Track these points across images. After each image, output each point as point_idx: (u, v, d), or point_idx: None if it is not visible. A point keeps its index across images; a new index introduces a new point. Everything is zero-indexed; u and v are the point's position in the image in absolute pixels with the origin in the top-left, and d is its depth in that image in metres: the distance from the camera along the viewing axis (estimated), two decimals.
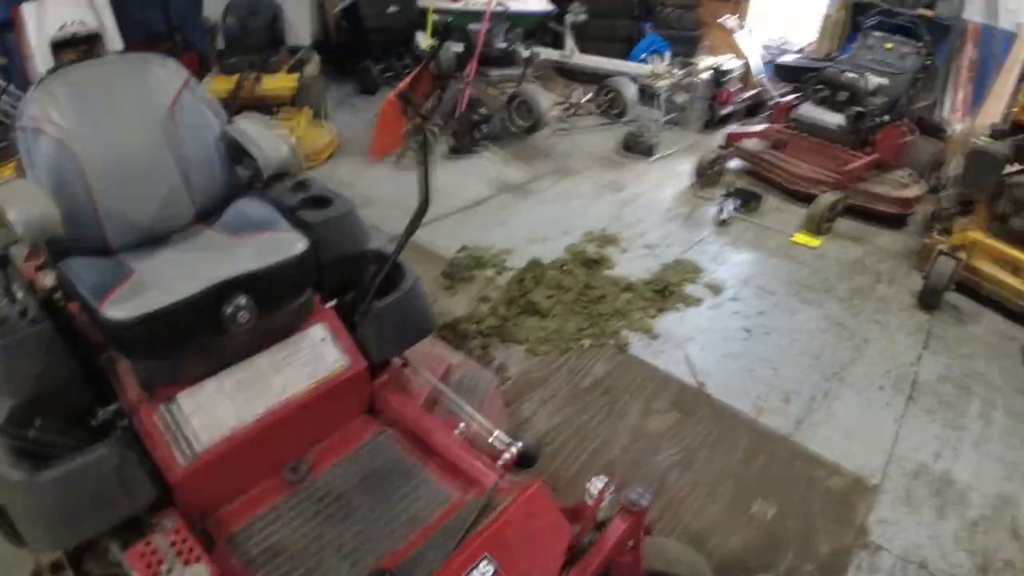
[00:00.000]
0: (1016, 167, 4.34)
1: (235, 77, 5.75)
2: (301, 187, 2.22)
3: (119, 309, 1.59)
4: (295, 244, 1.84)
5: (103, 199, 1.92)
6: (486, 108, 5.84)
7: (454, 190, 5.04)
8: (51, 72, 1.98)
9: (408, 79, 5.83)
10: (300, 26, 6.41)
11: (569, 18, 6.99)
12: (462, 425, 2.08)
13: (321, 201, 2.15)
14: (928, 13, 6.68)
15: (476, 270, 4.02)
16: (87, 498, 1.56)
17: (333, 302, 2.12)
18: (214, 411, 1.78)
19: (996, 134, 4.77)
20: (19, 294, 1.77)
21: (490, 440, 2.05)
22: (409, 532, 1.78)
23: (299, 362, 1.94)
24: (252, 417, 1.82)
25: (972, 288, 4.10)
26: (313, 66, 6.52)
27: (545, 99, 5.83)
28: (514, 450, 1.97)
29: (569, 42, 7.12)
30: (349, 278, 2.21)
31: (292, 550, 1.74)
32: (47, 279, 1.97)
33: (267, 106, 5.75)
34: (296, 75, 5.95)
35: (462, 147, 5.76)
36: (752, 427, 3.02)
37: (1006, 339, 3.86)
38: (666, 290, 3.89)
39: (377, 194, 4.89)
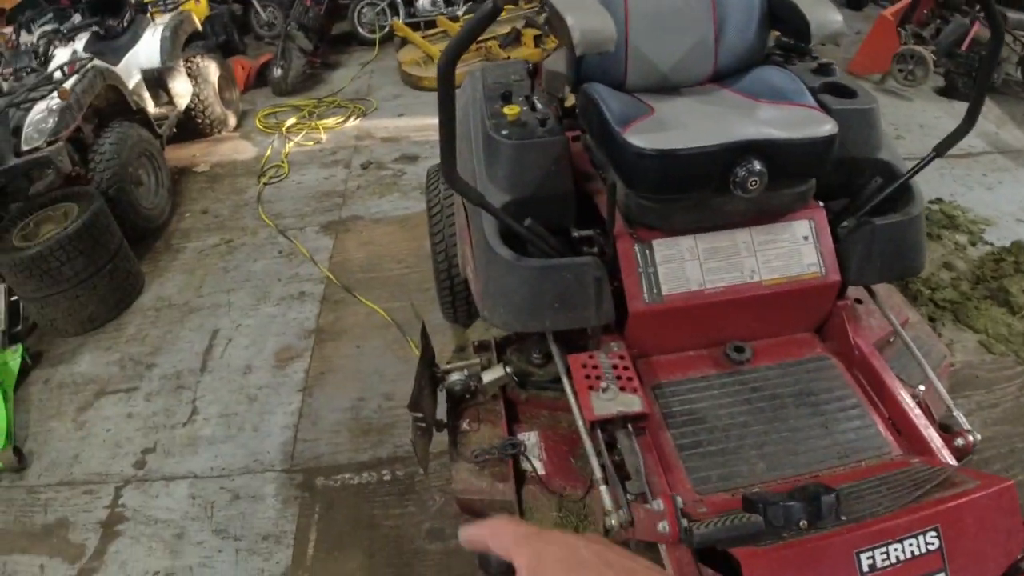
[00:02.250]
0: None
1: None
2: (823, 71, 1.96)
3: (641, 138, 1.56)
4: (824, 125, 1.61)
5: (634, 35, 1.89)
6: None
7: (934, 131, 4.23)
8: None
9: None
10: None
11: None
12: (922, 387, 1.76)
13: (842, 91, 1.87)
14: None
15: (946, 230, 3.33)
16: (558, 295, 1.64)
17: (820, 204, 1.86)
18: (682, 267, 1.72)
19: None
20: (539, 105, 1.88)
21: (950, 415, 1.71)
22: (839, 464, 1.59)
23: (775, 252, 1.76)
24: (714, 287, 1.72)
25: None
26: None
27: None
28: (972, 438, 1.61)
29: None
30: (845, 182, 1.92)
31: (713, 423, 1.65)
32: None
33: None
34: None
35: (953, 89, 4.76)
36: None
37: None
38: None
39: None
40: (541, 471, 1.82)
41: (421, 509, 2.31)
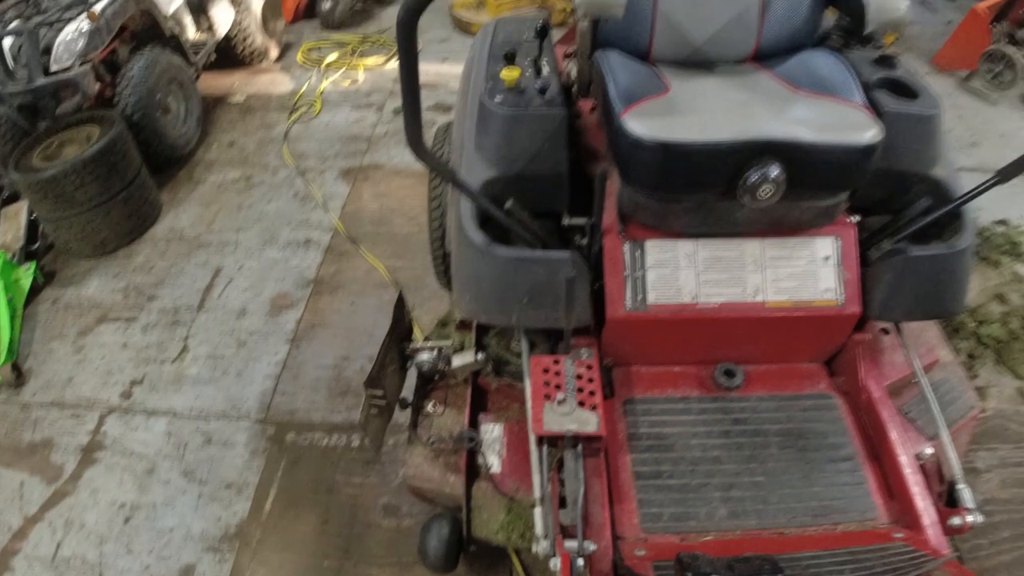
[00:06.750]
0: None
1: None
2: (884, 63, 1.68)
3: (640, 124, 1.37)
4: (867, 129, 1.37)
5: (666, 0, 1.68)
6: None
7: (1014, 143, 3.81)
8: None
9: None
10: None
11: None
12: (928, 450, 1.55)
13: (904, 89, 1.60)
14: None
15: (1007, 257, 3.01)
16: (529, 290, 1.48)
17: (855, 219, 1.63)
18: (675, 275, 1.54)
19: None
20: (545, 70, 1.67)
21: (953, 487, 1.52)
22: (812, 524, 1.42)
23: (788, 270, 1.56)
24: (708, 302, 1.54)
25: None
26: None
27: None
28: (972, 519, 1.42)
29: None
30: (887, 198, 1.68)
31: (680, 453, 1.50)
32: (571, 69, 1.88)
33: None
34: None
35: None
36: None
37: None
38: None
39: None
40: (497, 468, 1.69)
41: (382, 482, 2.24)
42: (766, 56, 1.71)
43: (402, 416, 1.90)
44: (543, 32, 1.79)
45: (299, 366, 2.64)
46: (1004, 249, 3.05)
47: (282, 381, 2.59)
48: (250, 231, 3.33)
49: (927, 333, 2.03)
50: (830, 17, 1.77)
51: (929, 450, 1.56)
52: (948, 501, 1.48)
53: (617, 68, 1.54)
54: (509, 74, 1.56)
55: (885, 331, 1.85)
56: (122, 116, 3.25)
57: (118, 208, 3.17)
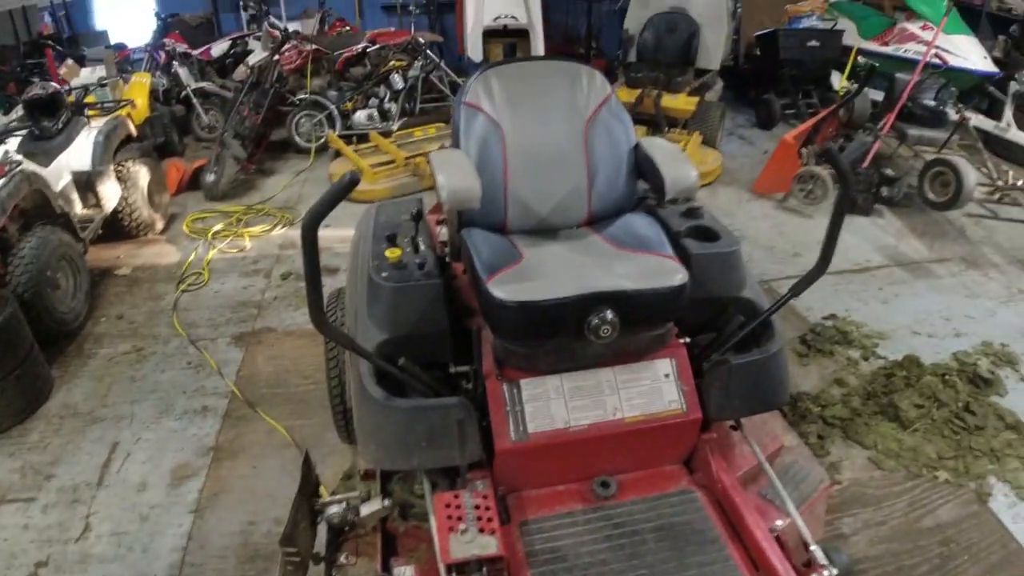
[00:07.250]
0: None
1: (637, 91, 5.98)
2: (691, 214, 2.14)
3: (503, 290, 1.68)
4: (675, 275, 1.75)
5: (514, 182, 2.07)
6: (893, 169, 5.11)
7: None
8: (491, 66, 2.21)
9: (812, 123, 5.42)
10: (713, 49, 6.37)
11: (1015, 86, 5.75)
12: (779, 523, 1.85)
13: (707, 233, 2.04)
14: None
15: (839, 346, 3.53)
16: (426, 435, 1.71)
17: (686, 340, 1.99)
18: (548, 406, 1.81)
19: None
20: (422, 247, 1.99)
21: (807, 549, 1.78)
22: None
23: (637, 390, 1.86)
24: (579, 425, 1.81)
25: None
26: (715, 93, 6.45)
27: (971, 174, 4.89)
28: (828, 574, 1.69)
29: (1007, 114, 5.86)
30: (710, 320, 2.07)
31: (573, 563, 1.70)
32: (443, 234, 2.21)
33: (658, 123, 5.87)
34: (696, 99, 5.95)
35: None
36: None
37: None
38: None
39: (751, 231, 4.79)
40: None
41: None
42: (597, 219, 2.12)
43: (314, 572, 1.97)
44: (418, 216, 2.12)
45: (205, 536, 2.62)
46: (836, 340, 3.57)
47: (189, 552, 2.56)
48: (145, 402, 3.33)
49: (771, 423, 2.39)
50: (644, 185, 2.22)
51: (781, 522, 1.84)
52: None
53: (480, 244, 1.87)
54: (392, 253, 1.86)
55: (734, 427, 2.18)
56: (14, 295, 3.27)
57: (11, 387, 3.12)
